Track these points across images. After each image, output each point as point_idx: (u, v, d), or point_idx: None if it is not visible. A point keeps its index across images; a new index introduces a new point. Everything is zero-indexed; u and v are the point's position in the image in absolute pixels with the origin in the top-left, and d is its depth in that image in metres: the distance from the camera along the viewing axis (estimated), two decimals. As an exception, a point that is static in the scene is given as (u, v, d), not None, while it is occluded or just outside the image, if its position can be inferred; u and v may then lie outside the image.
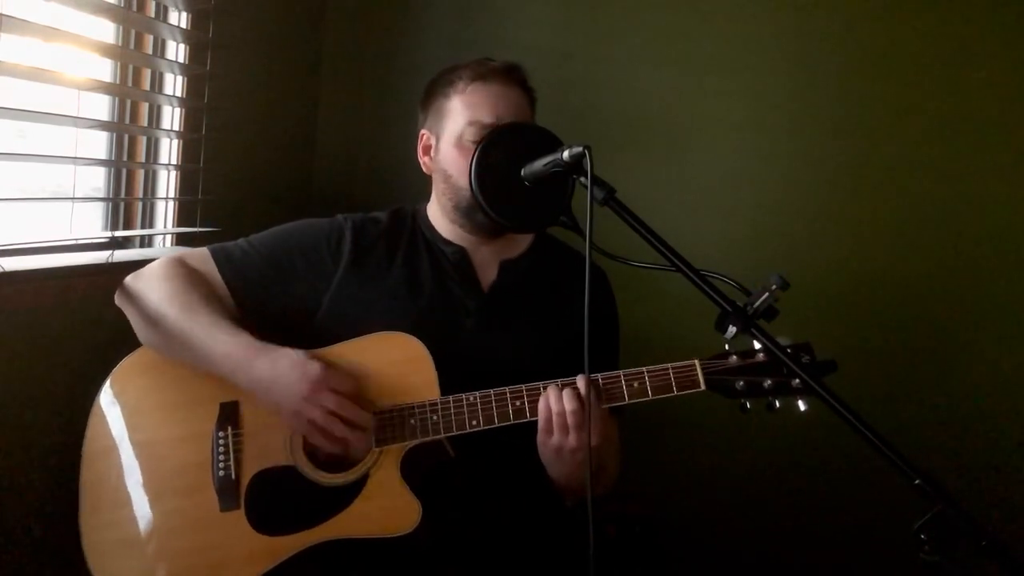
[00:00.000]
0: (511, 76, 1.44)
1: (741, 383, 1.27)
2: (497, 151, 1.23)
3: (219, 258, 1.45)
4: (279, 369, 1.28)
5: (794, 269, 1.17)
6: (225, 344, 1.32)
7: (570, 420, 1.26)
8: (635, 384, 1.30)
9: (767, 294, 1.04)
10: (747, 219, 2.28)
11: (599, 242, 1.11)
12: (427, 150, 1.50)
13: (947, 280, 2.19)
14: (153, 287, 1.39)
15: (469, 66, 1.44)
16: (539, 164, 1.17)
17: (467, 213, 1.44)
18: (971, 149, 2.17)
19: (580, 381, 1.28)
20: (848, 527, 2.22)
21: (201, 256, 1.46)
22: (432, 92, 1.49)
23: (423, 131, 1.50)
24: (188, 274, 1.41)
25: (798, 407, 1.24)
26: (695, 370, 1.28)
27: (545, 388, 1.29)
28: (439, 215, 1.52)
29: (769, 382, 1.25)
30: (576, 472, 1.31)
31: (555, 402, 1.27)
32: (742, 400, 1.27)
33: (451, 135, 1.43)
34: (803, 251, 2.25)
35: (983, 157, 2.17)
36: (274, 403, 1.30)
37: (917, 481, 0.93)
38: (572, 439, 1.26)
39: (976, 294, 2.18)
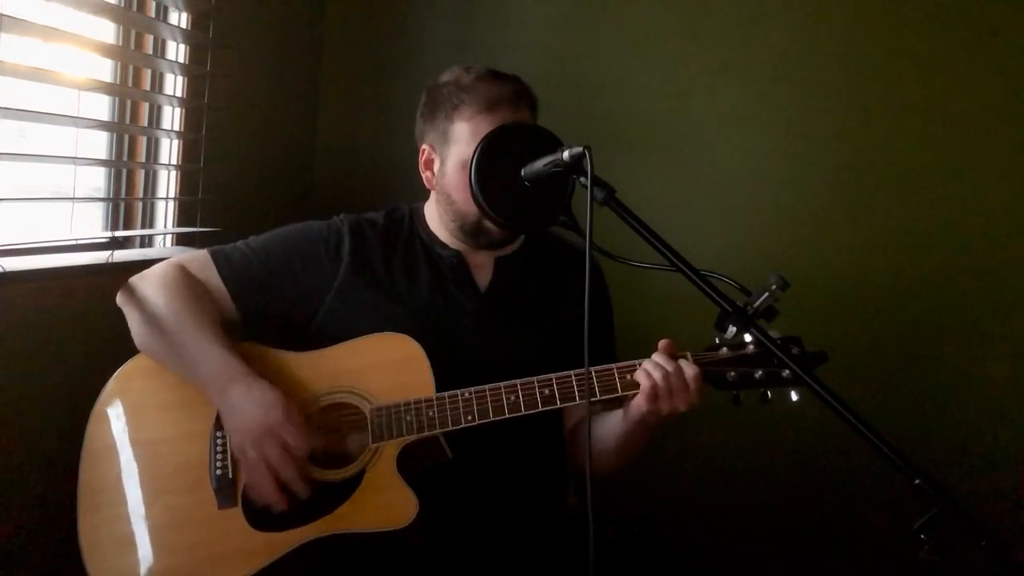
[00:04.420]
0: (519, 103, 1.42)
1: (732, 374, 1.28)
2: (497, 152, 1.22)
3: (219, 261, 1.45)
4: (248, 401, 1.28)
5: (794, 269, 1.17)
6: (212, 364, 1.32)
7: (674, 383, 1.27)
8: (628, 376, 1.31)
9: (767, 294, 1.04)
10: (747, 219, 2.28)
11: (599, 242, 1.11)
12: (429, 165, 1.49)
13: (947, 280, 2.20)
14: (151, 295, 1.39)
15: (475, 89, 1.40)
16: (539, 164, 1.17)
17: (472, 233, 1.45)
18: (971, 149, 2.17)
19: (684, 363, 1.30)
20: (848, 527, 2.22)
21: (201, 259, 1.46)
22: (434, 106, 1.45)
23: (424, 146, 1.48)
24: (187, 283, 1.41)
25: (790, 398, 1.25)
26: (687, 361, 1.30)
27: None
28: (438, 221, 1.52)
29: (760, 373, 1.27)
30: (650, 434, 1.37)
31: (655, 368, 1.28)
32: (735, 392, 1.28)
33: (456, 161, 1.41)
34: (803, 251, 2.25)
35: (983, 157, 2.17)
36: (230, 431, 1.31)
37: (917, 481, 0.93)
38: (679, 402, 1.27)
39: (975, 294, 2.18)
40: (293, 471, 1.27)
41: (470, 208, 1.35)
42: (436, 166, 1.47)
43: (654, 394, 1.27)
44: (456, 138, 1.42)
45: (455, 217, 1.46)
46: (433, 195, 1.52)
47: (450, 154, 1.43)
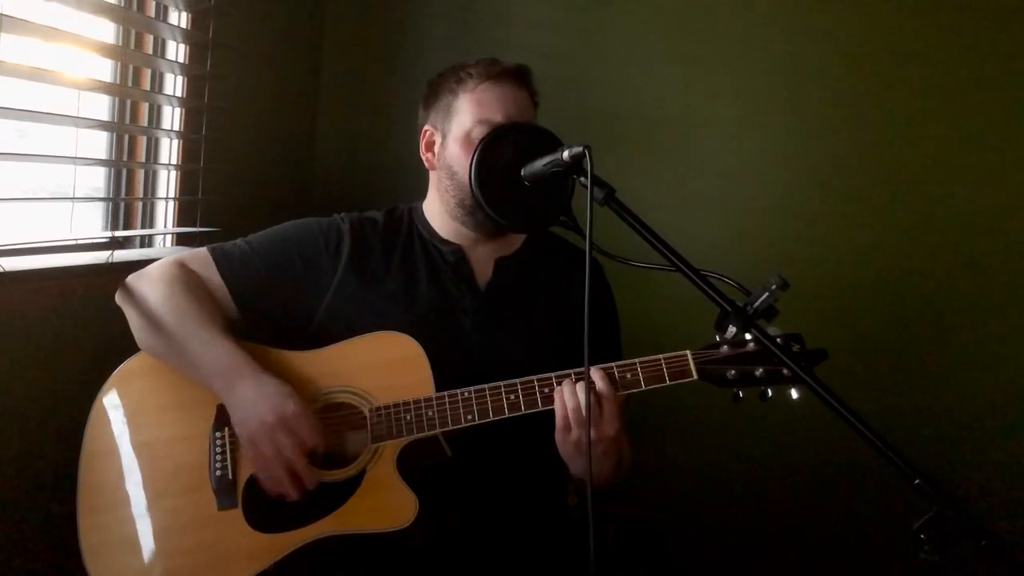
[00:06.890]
0: (522, 78, 1.46)
1: (733, 372, 1.28)
2: (497, 151, 1.23)
3: (218, 258, 1.45)
4: (258, 395, 1.28)
5: (794, 269, 1.17)
6: (218, 359, 1.32)
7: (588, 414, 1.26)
8: (628, 375, 1.31)
9: (767, 294, 1.04)
10: (747, 219, 2.28)
11: (599, 242, 1.11)
12: (430, 146, 1.50)
13: (947, 279, 2.19)
14: (152, 292, 1.39)
15: (480, 65, 1.45)
16: (539, 164, 1.17)
17: (472, 211, 1.45)
18: (970, 148, 2.17)
19: (596, 373, 1.28)
20: (847, 527, 2.22)
21: (201, 257, 1.46)
22: (438, 89, 1.49)
23: (426, 127, 1.51)
24: (188, 280, 1.41)
25: (791, 396, 1.25)
26: (687, 360, 1.30)
27: (560, 383, 1.30)
28: (437, 213, 1.52)
29: (761, 370, 1.27)
30: (597, 464, 1.31)
31: (570, 398, 1.28)
32: (735, 390, 1.28)
33: (459, 132, 1.44)
34: (803, 251, 2.25)
35: (982, 156, 2.17)
36: (239, 423, 1.30)
37: (917, 481, 0.93)
38: (592, 433, 1.25)
39: (976, 293, 2.18)
40: (304, 464, 1.27)
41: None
42: (437, 144, 1.49)
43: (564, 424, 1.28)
44: (460, 108, 1.44)
45: (456, 192, 1.45)
46: (432, 184, 1.53)
47: (453, 126, 1.45)
